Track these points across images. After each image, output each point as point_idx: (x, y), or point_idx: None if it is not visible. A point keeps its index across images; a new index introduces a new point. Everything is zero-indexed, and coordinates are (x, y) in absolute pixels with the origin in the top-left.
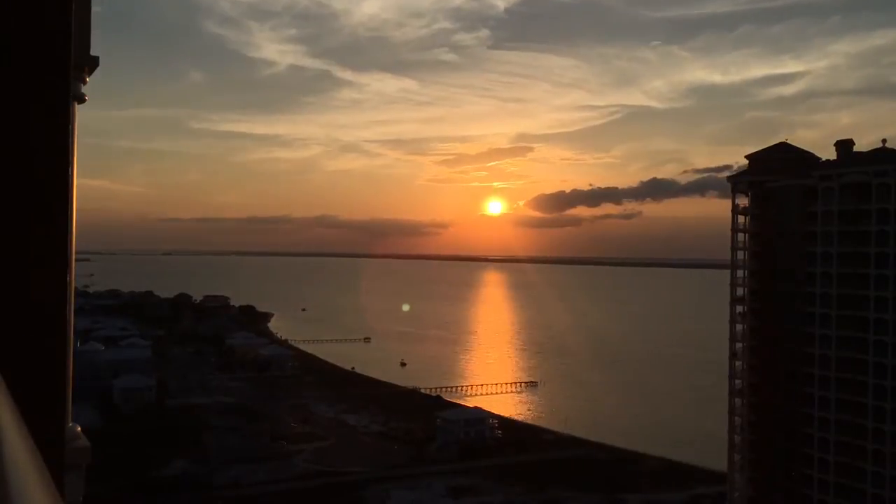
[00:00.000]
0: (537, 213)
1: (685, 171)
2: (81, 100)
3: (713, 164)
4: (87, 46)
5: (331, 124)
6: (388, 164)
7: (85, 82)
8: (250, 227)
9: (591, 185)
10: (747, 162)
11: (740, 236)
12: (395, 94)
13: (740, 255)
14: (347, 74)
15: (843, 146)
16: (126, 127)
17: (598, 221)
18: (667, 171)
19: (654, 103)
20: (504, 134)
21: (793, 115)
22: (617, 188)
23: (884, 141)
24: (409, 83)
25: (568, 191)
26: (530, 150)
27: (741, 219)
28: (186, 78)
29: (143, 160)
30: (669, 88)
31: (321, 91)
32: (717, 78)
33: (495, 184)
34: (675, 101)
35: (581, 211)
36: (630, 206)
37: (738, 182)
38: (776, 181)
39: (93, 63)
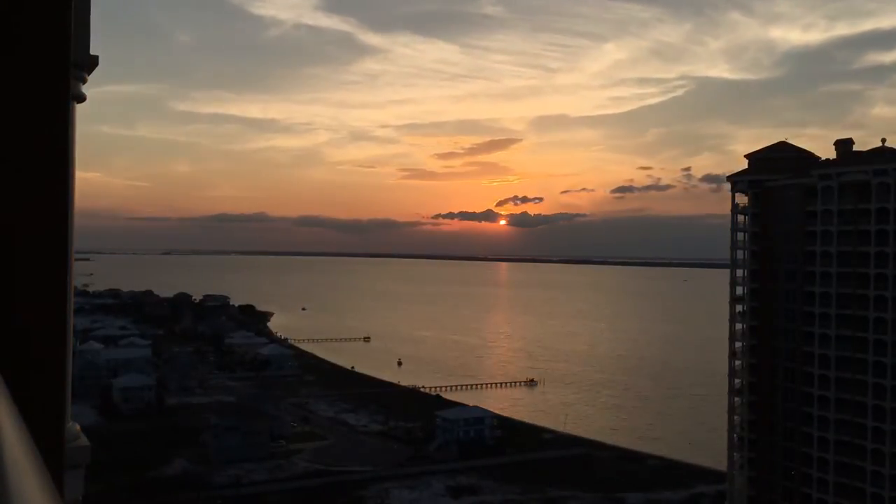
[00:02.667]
0: (512, 212)
1: (716, 163)
2: (81, 99)
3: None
4: (87, 46)
5: (343, 104)
6: (399, 153)
7: (85, 81)
8: (245, 225)
9: (584, 185)
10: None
11: (740, 235)
12: (426, 65)
13: (740, 254)
14: (369, 37)
15: (843, 145)
16: (101, 109)
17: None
18: (702, 161)
19: (726, 73)
20: (530, 118)
21: (878, 87)
22: (588, 189)
23: (883, 140)
24: (443, 49)
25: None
26: (558, 137)
27: (741, 218)
28: (173, 43)
29: (127, 149)
30: (751, 50)
31: (334, 61)
32: (805, 37)
33: (484, 181)
34: (754, 68)
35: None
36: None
37: (737, 181)
38: (776, 180)
39: (92, 63)
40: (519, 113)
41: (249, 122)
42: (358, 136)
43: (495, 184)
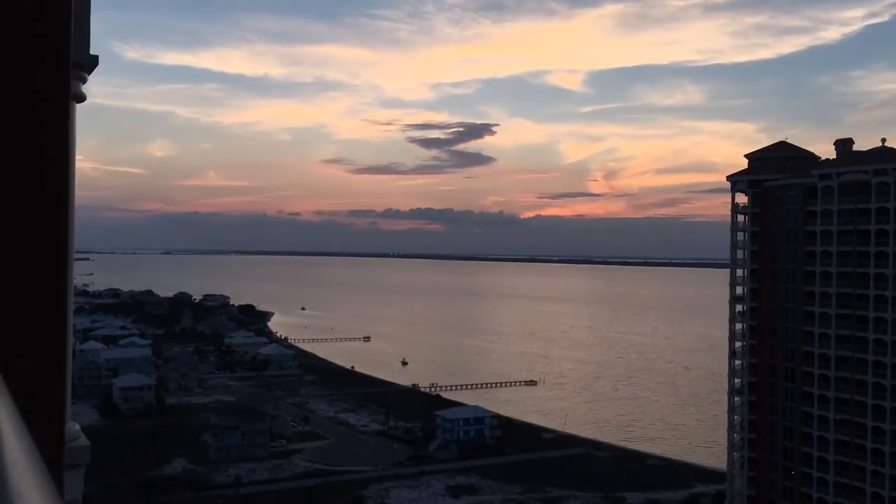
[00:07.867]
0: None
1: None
2: (81, 99)
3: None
4: (87, 46)
5: (376, 35)
6: (444, 121)
7: (85, 81)
8: (236, 222)
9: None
10: None
11: (740, 235)
12: None
13: (740, 253)
14: None
15: (843, 145)
16: None
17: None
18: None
19: None
20: (584, 70)
21: None
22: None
23: (883, 140)
24: None
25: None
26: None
27: (741, 218)
28: None
29: (83, 121)
30: None
31: None
32: None
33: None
34: None
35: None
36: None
37: (737, 181)
38: (776, 180)
39: (92, 63)
40: (587, 62)
41: (239, 81)
42: (389, 104)
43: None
